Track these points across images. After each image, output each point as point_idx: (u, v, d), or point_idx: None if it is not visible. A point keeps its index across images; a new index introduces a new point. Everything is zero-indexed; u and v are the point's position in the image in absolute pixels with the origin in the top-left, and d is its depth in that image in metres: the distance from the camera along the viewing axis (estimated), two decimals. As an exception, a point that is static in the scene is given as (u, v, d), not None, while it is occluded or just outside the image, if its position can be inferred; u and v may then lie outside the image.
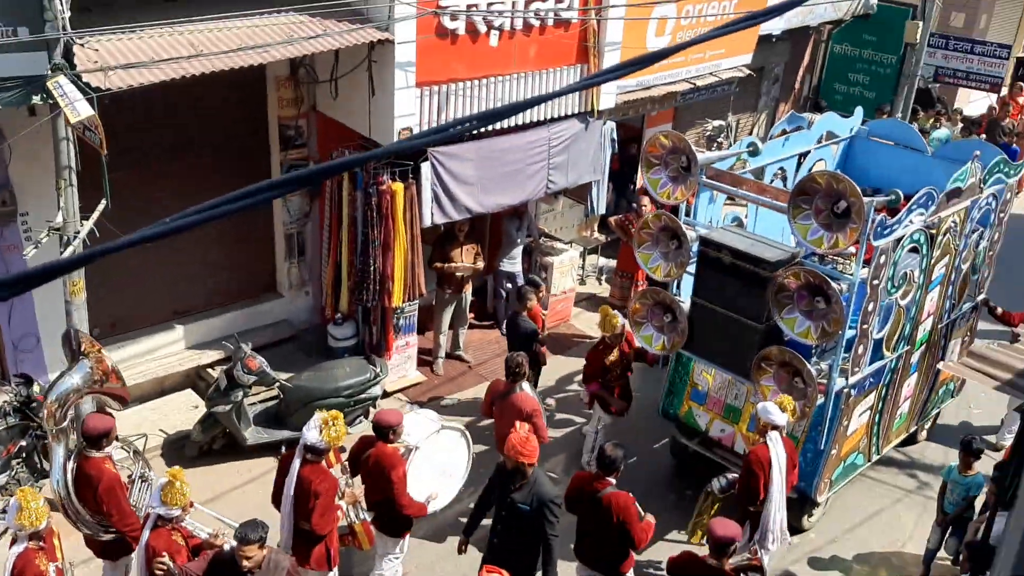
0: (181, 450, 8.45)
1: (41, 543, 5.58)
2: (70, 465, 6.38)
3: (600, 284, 12.35)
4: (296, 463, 6.21)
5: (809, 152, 9.29)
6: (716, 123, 12.54)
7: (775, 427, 6.90)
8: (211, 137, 8.90)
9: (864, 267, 7.11)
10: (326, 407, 8.41)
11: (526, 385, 7.65)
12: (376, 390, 8.86)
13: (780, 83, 14.70)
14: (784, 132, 9.11)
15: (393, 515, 6.70)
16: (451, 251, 9.77)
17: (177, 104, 8.34)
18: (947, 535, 7.72)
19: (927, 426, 9.70)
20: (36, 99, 6.57)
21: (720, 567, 5.92)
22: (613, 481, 6.42)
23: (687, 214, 8.21)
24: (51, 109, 6.59)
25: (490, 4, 8.59)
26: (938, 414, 9.77)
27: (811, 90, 15.64)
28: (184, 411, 8.85)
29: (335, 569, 6.57)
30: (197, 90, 7.67)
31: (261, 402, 8.80)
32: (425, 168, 8.72)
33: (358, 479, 6.80)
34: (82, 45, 6.70)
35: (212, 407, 8.28)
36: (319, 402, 8.41)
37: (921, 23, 14.22)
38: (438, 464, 7.20)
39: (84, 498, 6.30)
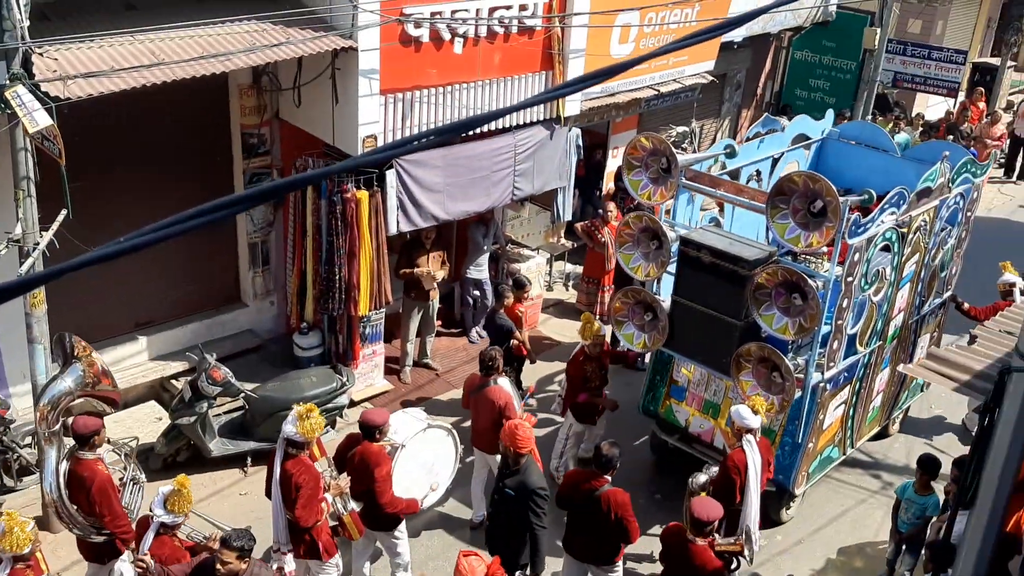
0: (145, 462, 8.33)
1: (28, 562, 5.59)
2: (63, 468, 6.45)
3: (567, 290, 12.38)
4: (279, 457, 6.35)
5: (783, 154, 9.46)
6: (680, 129, 12.64)
7: (749, 430, 7.04)
8: (173, 146, 8.81)
9: (839, 265, 7.29)
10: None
11: (502, 380, 7.75)
12: (343, 399, 8.82)
13: (742, 89, 14.84)
14: (759, 135, 9.30)
15: (378, 510, 6.78)
16: (417, 258, 9.74)
17: (138, 113, 8.24)
18: (903, 552, 7.67)
19: (898, 419, 9.91)
20: (-7, 109, 6.47)
21: (696, 543, 6.16)
22: (609, 479, 6.58)
23: (667, 214, 8.33)
24: (9, 119, 6.48)
25: (454, 12, 8.59)
26: (908, 408, 9.98)
27: (773, 96, 15.82)
28: (148, 423, 8.74)
29: (334, 558, 6.66)
30: (158, 99, 7.59)
31: (226, 413, 8.73)
32: (390, 176, 8.69)
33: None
34: (41, 54, 6.61)
35: (176, 419, 8.18)
36: (285, 412, 8.34)
37: (879, 30, 14.43)
38: (425, 462, 7.30)
39: (77, 500, 6.37)
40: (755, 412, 7.06)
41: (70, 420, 6.68)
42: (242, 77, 8.82)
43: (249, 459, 8.56)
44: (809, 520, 8.61)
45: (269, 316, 10.01)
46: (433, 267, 9.78)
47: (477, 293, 10.84)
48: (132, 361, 9.07)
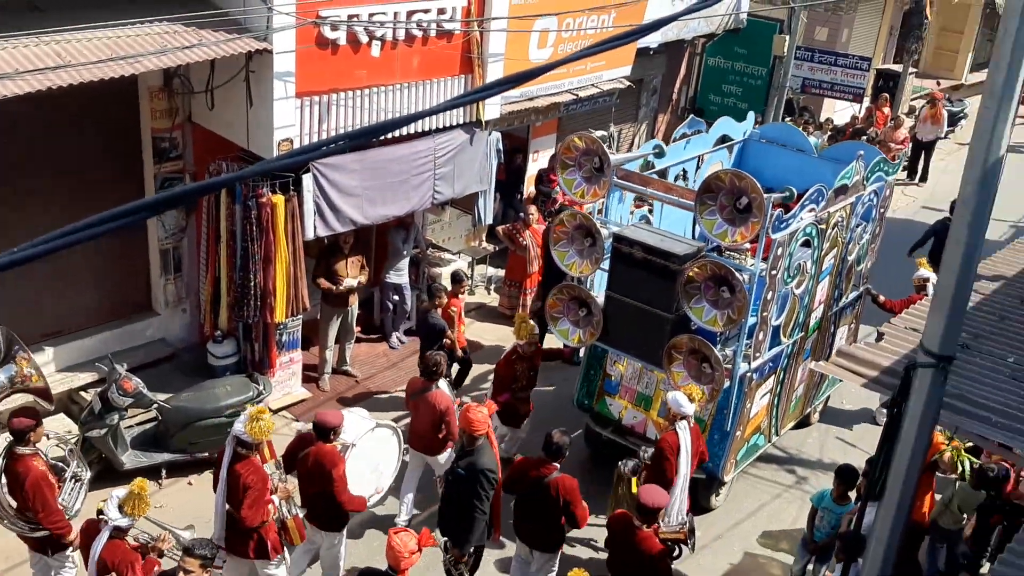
0: (53, 478, 8.07)
1: None
2: None
3: (489, 294, 12.39)
4: (227, 456, 6.41)
5: (703, 155, 9.76)
6: (599, 133, 12.71)
7: (684, 417, 7.33)
8: (80, 150, 8.52)
9: (763, 260, 7.59)
10: (207, 427, 8.26)
11: (443, 383, 7.87)
12: (260, 408, 8.66)
13: (658, 94, 15.09)
14: (685, 135, 9.59)
15: (332, 511, 6.88)
16: (336, 264, 9.62)
17: (42, 117, 7.96)
18: (812, 561, 7.69)
19: (819, 408, 10.29)
20: None
21: (643, 530, 6.35)
22: (558, 466, 6.78)
23: (599, 212, 8.54)
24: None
25: (371, 15, 8.53)
26: (828, 398, 10.35)
27: (688, 101, 16.12)
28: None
29: (280, 556, 6.74)
30: (64, 102, 7.34)
31: (138, 424, 8.51)
32: (307, 180, 8.57)
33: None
34: (-65, 54, 6.33)
35: (86, 431, 7.93)
36: (200, 423, 8.20)
37: (787, 37, 14.85)
38: (371, 461, 7.47)
39: (15, 496, 6.45)
40: (691, 399, 7.39)
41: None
42: (152, 79, 8.59)
43: (163, 471, 8.34)
44: (727, 515, 8.80)
45: (182, 324, 9.77)
46: (351, 272, 9.68)
47: (397, 298, 10.77)
48: (38, 373, 8.74)
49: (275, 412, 9.24)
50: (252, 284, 8.61)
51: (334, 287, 9.58)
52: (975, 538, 7.89)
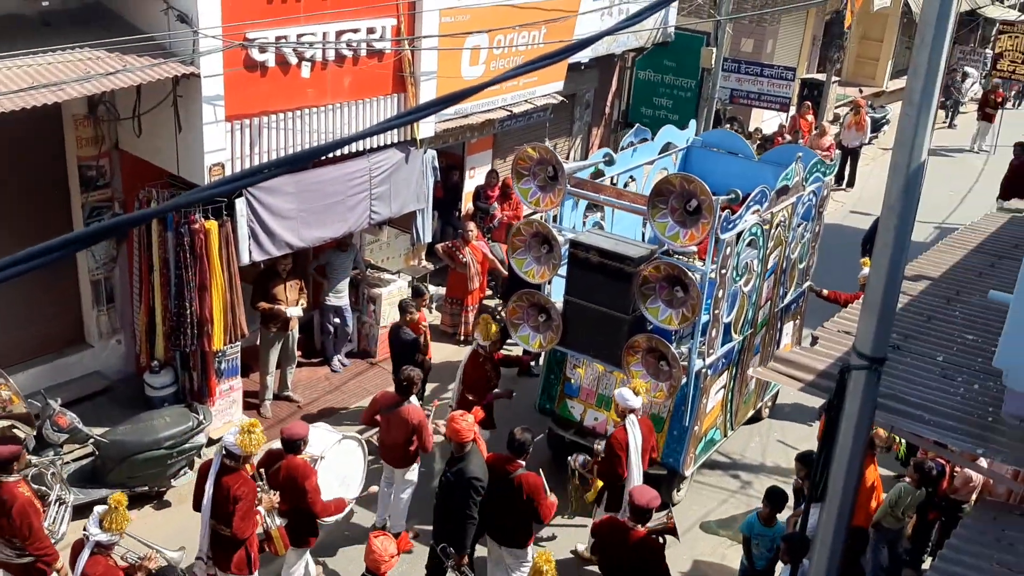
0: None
1: None
2: None
3: (431, 312, 12.32)
4: (214, 469, 6.48)
5: (654, 161, 10.06)
6: (534, 148, 12.85)
7: (632, 410, 7.53)
8: (3, 180, 8.29)
9: (713, 261, 7.83)
10: (147, 460, 8.08)
11: (414, 398, 7.96)
12: (200, 438, 8.50)
13: (591, 108, 15.24)
14: (632, 144, 9.86)
15: (300, 526, 7.00)
16: (273, 288, 9.50)
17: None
18: None
19: (770, 404, 10.57)
20: None
21: (636, 530, 6.53)
22: (523, 463, 6.96)
23: (554, 220, 8.72)
24: None
25: (300, 35, 8.47)
26: (777, 393, 10.61)
27: (620, 114, 16.30)
28: (-14, 478, 8.15)
29: (256, 573, 6.80)
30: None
31: (75, 460, 8.27)
32: (240, 204, 8.45)
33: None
34: None
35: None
36: (139, 456, 8.02)
37: (715, 49, 15.14)
38: (339, 473, 7.53)
39: (0, 523, 6.42)
40: (636, 393, 7.56)
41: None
42: (77, 107, 8.40)
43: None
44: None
45: (117, 356, 9.53)
46: (290, 296, 9.57)
47: (338, 320, 10.66)
48: (-35, 412, 8.43)
49: (216, 442, 9.05)
50: (188, 312, 8.45)
51: (274, 307, 9.44)
52: (915, 535, 8.08)
